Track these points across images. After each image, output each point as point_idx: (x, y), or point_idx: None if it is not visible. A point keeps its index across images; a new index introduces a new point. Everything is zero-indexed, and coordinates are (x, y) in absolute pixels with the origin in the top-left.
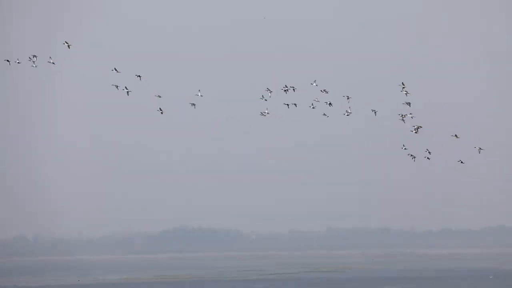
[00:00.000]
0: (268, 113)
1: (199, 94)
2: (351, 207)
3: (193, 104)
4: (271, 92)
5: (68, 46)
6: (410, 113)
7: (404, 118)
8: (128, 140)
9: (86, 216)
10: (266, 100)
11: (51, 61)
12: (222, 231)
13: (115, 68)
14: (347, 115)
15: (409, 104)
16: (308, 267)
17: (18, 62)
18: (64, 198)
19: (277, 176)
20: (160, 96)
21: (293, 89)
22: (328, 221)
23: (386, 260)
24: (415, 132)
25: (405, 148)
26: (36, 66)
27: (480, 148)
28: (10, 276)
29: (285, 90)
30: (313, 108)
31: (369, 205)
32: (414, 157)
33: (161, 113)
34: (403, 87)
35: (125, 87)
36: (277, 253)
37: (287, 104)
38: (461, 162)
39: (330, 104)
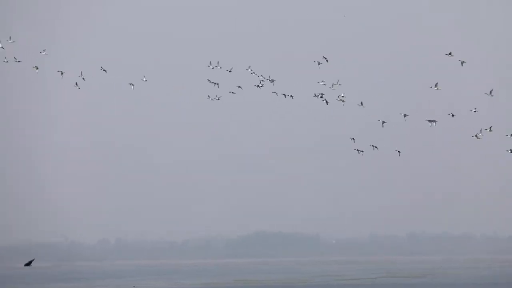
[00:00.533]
0: (218, 99)
1: (144, 79)
2: (434, 212)
3: (132, 84)
4: (214, 84)
5: (61, 73)
6: (343, 96)
7: (325, 98)
8: (168, 141)
9: (168, 219)
10: (218, 86)
11: (17, 59)
12: (302, 235)
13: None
14: (291, 96)
15: (323, 81)
16: (389, 272)
17: None
18: (143, 202)
19: (357, 178)
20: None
21: (229, 70)
22: (410, 226)
23: (470, 266)
24: (324, 101)
25: (353, 139)
26: (7, 61)
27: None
28: (90, 280)
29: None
30: (260, 86)
31: (451, 211)
32: (362, 151)
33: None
34: (324, 60)
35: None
36: (358, 258)
37: (232, 92)
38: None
39: (260, 86)
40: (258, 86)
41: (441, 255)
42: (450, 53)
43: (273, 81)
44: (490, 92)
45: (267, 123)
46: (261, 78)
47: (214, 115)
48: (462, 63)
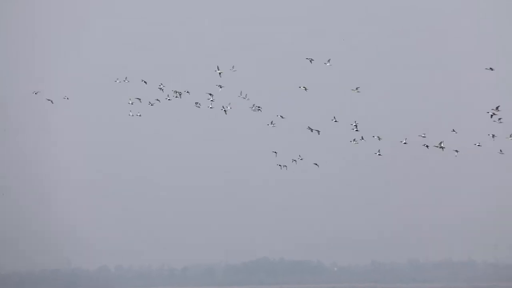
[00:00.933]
0: (139, 115)
1: (65, 97)
2: (436, 238)
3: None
4: (139, 100)
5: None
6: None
7: (211, 98)
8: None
9: (167, 245)
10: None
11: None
12: (304, 262)
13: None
14: (245, 97)
15: (219, 86)
16: None
17: None
18: (142, 228)
19: (358, 205)
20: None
21: (161, 85)
22: (411, 253)
23: None
24: (257, 110)
25: (275, 152)
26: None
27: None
28: None
29: (142, 81)
30: (186, 92)
31: (452, 237)
32: (286, 166)
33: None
34: (221, 70)
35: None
36: (360, 285)
37: (168, 98)
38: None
39: (178, 94)
40: (168, 98)
41: (442, 282)
42: (328, 61)
43: (188, 92)
44: (356, 89)
45: (267, 148)
46: (173, 94)
47: (214, 143)
48: (328, 61)
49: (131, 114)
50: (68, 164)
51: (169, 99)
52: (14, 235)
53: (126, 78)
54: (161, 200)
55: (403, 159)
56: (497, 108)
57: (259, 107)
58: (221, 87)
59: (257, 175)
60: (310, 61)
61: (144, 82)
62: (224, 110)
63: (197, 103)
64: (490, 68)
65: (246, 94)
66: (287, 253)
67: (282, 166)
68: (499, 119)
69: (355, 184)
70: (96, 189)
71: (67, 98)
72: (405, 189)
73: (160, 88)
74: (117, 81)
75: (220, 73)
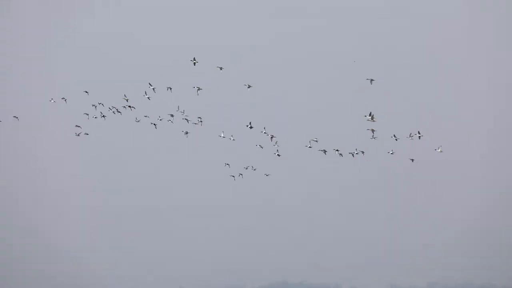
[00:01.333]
0: (87, 134)
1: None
2: (453, 260)
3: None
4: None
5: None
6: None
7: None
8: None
9: (180, 267)
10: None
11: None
12: (322, 286)
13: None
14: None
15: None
16: None
17: None
18: (151, 249)
19: (379, 226)
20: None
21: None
22: (430, 276)
23: None
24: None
25: (227, 164)
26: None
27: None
28: None
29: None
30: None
31: (473, 260)
32: (241, 174)
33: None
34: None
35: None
36: None
37: (120, 110)
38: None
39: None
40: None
41: None
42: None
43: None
44: (248, 86)
45: (282, 169)
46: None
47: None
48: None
49: (77, 133)
50: (70, 193)
51: (131, 107)
52: (14, 262)
53: (63, 97)
54: (170, 221)
55: (420, 180)
56: (371, 115)
57: (199, 118)
58: (149, 97)
59: (276, 197)
60: (220, 69)
61: (86, 92)
62: (154, 124)
63: (146, 116)
64: (371, 80)
65: (184, 110)
66: (307, 276)
67: (237, 175)
68: (373, 134)
69: (374, 206)
70: (98, 219)
71: (17, 117)
72: (425, 211)
73: (94, 106)
74: (52, 101)
75: (154, 89)
